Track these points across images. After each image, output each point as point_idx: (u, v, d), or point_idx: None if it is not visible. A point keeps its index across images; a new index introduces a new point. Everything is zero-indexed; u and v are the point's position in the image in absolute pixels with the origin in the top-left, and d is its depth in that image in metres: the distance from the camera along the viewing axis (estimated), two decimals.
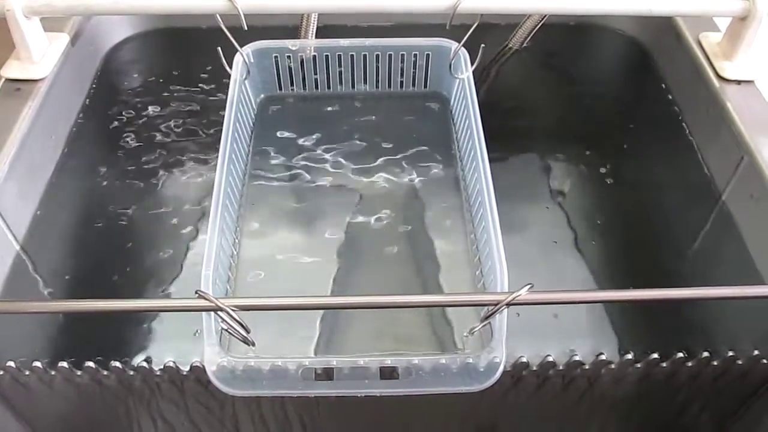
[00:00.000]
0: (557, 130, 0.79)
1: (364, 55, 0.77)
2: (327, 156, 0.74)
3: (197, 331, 0.58)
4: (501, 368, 0.51)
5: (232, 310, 0.46)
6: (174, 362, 0.54)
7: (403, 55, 0.77)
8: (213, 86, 0.82)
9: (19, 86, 0.67)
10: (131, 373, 0.55)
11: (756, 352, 0.55)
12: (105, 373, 0.55)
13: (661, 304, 0.58)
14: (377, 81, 0.79)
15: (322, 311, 0.60)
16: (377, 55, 0.77)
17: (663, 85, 0.79)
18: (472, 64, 0.72)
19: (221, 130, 0.65)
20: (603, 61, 0.88)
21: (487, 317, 0.48)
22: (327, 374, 0.53)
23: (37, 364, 0.54)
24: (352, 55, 0.77)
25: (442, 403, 0.58)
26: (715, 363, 0.55)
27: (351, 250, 0.66)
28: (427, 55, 0.77)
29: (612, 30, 0.87)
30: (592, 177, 0.73)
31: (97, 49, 0.83)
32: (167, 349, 0.58)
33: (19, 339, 0.58)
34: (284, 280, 0.64)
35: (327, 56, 0.77)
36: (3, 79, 0.68)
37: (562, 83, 0.85)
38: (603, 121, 0.80)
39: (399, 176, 0.73)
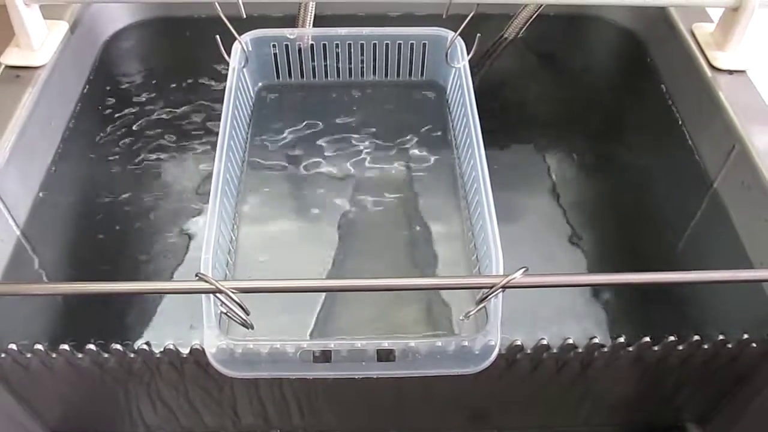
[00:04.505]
0: (551, 119, 0.80)
1: (361, 44, 0.77)
2: (324, 144, 0.75)
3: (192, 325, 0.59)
4: (496, 351, 0.52)
5: (232, 292, 0.47)
6: (174, 345, 0.55)
7: (399, 44, 0.77)
8: (211, 75, 0.82)
9: (19, 73, 0.68)
10: (132, 355, 0.55)
11: (745, 336, 0.55)
12: (106, 355, 0.55)
13: (653, 287, 0.59)
14: (374, 70, 0.80)
15: (320, 295, 0.61)
16: (374, 44, 0.77)
17: (656, 75, 0.80)
18: (468, 53, 0.73)
19: (220, 117, 0.66)
20: (597, 51, 0.89)
21: (482, 300, 0.49)
22: (325, 357, 0.53)
23: (39, 346, 0.54)
24: (349, 44, 0.77)
25: (437, 386, 0.58)
26: (706, 346, 0.55)
27: (348, 236, 0.67)
28: (424, 44, 0.77)
29: (606, 21, 0.87)
30: (586, 165, 0.74)
31: (96, 37, 0.83)
32: (167, 332, 0.58)
33: (21, 322, 0.58)
34: (282, 266, 0.65)
35: (324, 45, 0.77)
36: (3, 66, 0.68)
37: (556, 73, 0.86)
38: (597, 110, 0.81)
39: (396, 164, 0.73)
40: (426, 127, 0.77)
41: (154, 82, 0.82)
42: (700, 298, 0.62)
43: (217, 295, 0.47)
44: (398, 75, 0.80)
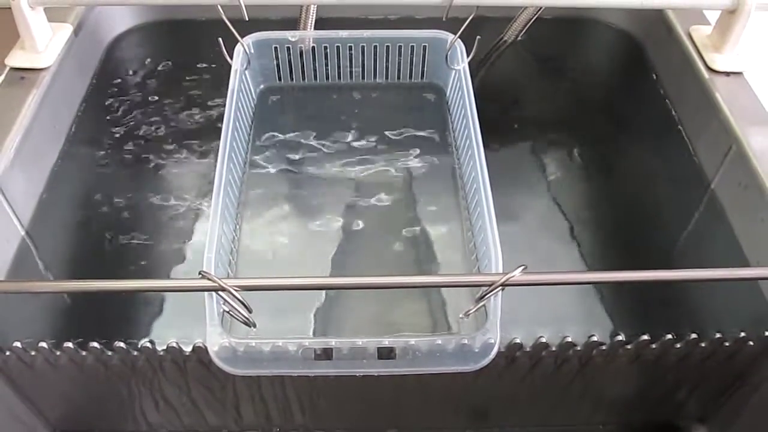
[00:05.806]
0: (550, 121, 0.80)
1: (362, 47, 0.78)
2: (325, 145, 0.76)
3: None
4: (495, 349, 0.52)
5: (235, 290, 0.47)
6: (177, 342, 0.55)
7: (400, 46, 0.78)
8: (213, 77, 0.83)
9: (24, 75, 0.68)
10: (135, 353, 0.56)
11: (742, 334, 0.56)
12: (109, 353, 0.56)
13: (651, 285, 0.59)
14: (375, 72, 0.80)
15: (321, 294, 0.62)
16: (375, 47, 0.78)
17: (654, 77, 0.80)
18: (467, 55, 0.74)
19: (222, 119, 0.66)
20: (596, 53, 0.89)
21: (481, 298, 0.50)
22: (326, 354, 0.54)
23: (43, 344, 0.55)
24: (350, 47, 0.78)
25: (437, 384, 0.59)
26: (703, 344, 0.56)
27: (349, 236, 0.67)
28: (424, 46, 0.78)
29: (605, 23, 0.88)
30: (585, 166, 0.75)
31: (100, 40, 0.84)
32: (171, 330, 0.59)
33: (26, 320, 0.59)
34: (284, 265, 0.65)
35: (326, 47, 0.78)
36: (8, 68, 0.69)
37: (555, 75, 0.87)
38: (595, 112, 0.82)
39: (396, 165, 0.74)
40: (426, 129, 0.77)
41: (157, 84, 0.83)
42: (698, 296, 0.63)
43: (220, 293, 0.48)
44: (399, 77, 0.81)
